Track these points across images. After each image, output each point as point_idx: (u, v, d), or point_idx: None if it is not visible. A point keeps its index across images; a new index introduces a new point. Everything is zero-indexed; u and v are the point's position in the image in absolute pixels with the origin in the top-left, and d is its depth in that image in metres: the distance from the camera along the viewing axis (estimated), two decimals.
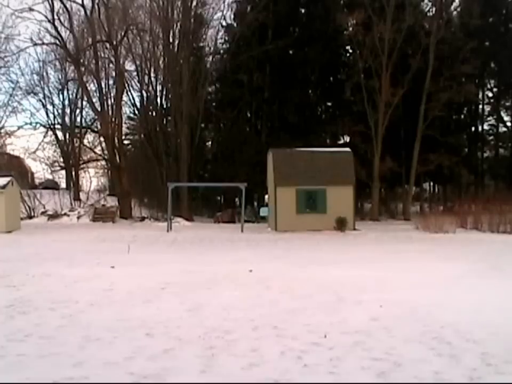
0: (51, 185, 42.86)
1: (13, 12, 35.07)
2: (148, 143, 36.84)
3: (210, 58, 39.19)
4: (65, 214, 33.39)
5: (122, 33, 35.41)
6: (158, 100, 39.81)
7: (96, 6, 34.88)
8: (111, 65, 38.31)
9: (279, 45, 34.25)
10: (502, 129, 41.31)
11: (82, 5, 34.97)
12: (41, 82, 42.49)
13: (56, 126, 43.95)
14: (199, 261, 12.98)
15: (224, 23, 39.02)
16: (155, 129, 37.36)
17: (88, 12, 34.88)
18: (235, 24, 38.73)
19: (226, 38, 39.30)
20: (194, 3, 36.32)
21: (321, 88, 39.54)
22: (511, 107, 40.59)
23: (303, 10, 38.22)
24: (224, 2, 38.09)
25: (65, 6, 34.78)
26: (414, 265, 12.06)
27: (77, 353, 5.24)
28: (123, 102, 38.82)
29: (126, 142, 42.08)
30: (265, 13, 34.62)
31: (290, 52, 36.77)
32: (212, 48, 39.01)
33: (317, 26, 35.85)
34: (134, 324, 6.40)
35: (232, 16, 39.27)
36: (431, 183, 45.73)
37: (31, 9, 34.02)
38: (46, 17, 34.95)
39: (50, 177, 46.23)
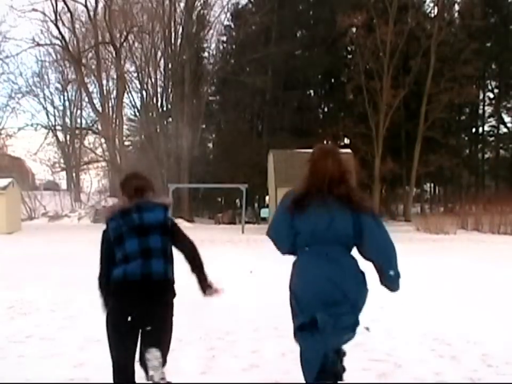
0: (52, 187, 42.89)
1: (16, 11, 35.40)
2: (149, 144, 36.87)
3: (212, 59, 39.25)
4: (66, 215, 33.43)
5: (125, 35, 35.48)
6: (159, 100, 39.87)
7: (99, 8, 35.00)
8: (112, 66, 38.39)
9: (282, 48, 34.25)
10: (503, 130, 41.34)
11: (86, 6, 35.08)
12: (41, 83, 42.56)
13: (57, 127, 43.99)
14: None
15: (226, 24, 39.09)
16: (156, 130, 37.40)
17: (91, 13, 34.97)
18: (232, 26, 38.75)
19: (229, 40, 39.35)
20: (197, 4, 36.40)
21: (322, 90, 39.58)
22: None
23: (310, 13, 38.17)
24: (227, 4, 38.20)
25: (67, 7, 34.89)
26: (415, 266, 12.05)
27: (78, 354, 5.24)
28: (124, 103, 38.91)
29: (126, 143, 42.15)
30: (270, 15, 34.62)
31: (294, 53, 36.78)
32: (214, 50, 39.10)
33: (321, 29, 35.88)
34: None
35: (232, 19, 39.29)
36: (432, 184, 45.72)
37: (34, 10, 34.22)
38: (49, 17, 35.09)
39: (51, 178, 46.26)
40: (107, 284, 3.40)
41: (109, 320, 3.42)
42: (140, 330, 3.38)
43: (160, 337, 3.38)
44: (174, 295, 3.46)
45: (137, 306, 3.28)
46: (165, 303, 3.39)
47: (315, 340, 3.16)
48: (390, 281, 3.52)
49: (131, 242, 3.32)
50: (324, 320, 3.11)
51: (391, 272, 3.45)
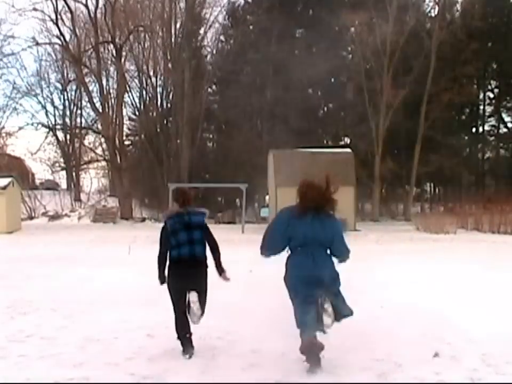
0: (51, 186, 42.86)
1: (17, 11, 35.39)
2: (149, 144, 36.86)
3: (213, 58, 39.18)
4: (66, 214, 33.44)
5: (126, 35, 35.46)
6: (159, 100, 39.83)
7: (99, 7, 34.99)
8: (112, 65, 38.37)
9: (282, 47, 34.21)
10: (503, 130, 41.31)
11: (86, 5, 35.06)
12: (42, 83, 42.44)
13: (57, 127, 43.90)
14: None
15: (226, 24, 39.02)
16: (156, 129, 37.39)
17: (91, 13, 34.93)
18: (231, 25, 38.71)
19: (229, 39, 39.29)
20: (196, 3, 36.33)
21: (322, 89, 39.53)
22: None
23: (310, 12, 38.06)
24: (226, 3, 38.16)
25: (68, 6, 34.86)
26: (415, 265, 12.06)
27: (78, 353, 5.25)
28: (124, 103, 38.87)
29: (126, 142, 42.06)
30: (269, 14, 34.53)
31: (294, 53, 36.69)
32: (214, 49, 39.03)
33: (321, 28, 35.82)
34: (134, 325, 6.40)
35: (231, 18, 39.22)
36: (432, 184, 45.70)
37: (35, 9, 34.19)
38: (49, 17, 35.08)
39: (51, 177, 46.20)
40: (164, 260, 5.34)
41: (170, 282, 5.31)
42: (189, 290, 5.21)
43: (202, 295, 5.26)
44: (207, 266, 5.40)
45: (187, 276, 5.19)
46: (202, 274, 5.31)
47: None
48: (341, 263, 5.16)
49: (182, 234, 5.25)
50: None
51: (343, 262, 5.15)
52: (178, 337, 5.33)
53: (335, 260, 5.03)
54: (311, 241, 4.77)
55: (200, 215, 5.45)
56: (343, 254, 5.06)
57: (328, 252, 4.94)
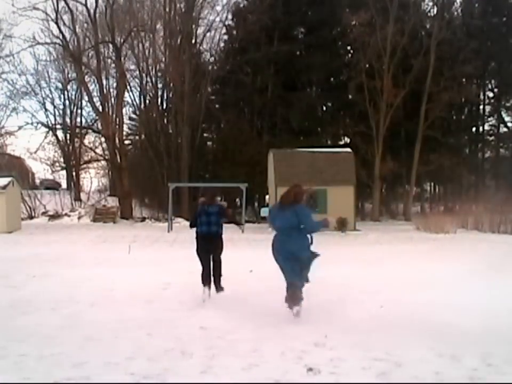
0: (53, 185, 42.87)
1: (17, 10, 35.38)
2: (149, 143, 36.84)
3: (213, 58, 39.17)
4: (66, 214, 33.41)
5: (126, 34, 35.44)
6: (159, 100, 39.82)
7: (99, 7, 34.96)
8: (112, 65, 38.34)
9: (283, 47, 34.19)
10: (503, 129, 41.35)
11: (86, 5, 35.03)
12: (42, 83, 42.41)
13: (57, 126, 43.89)
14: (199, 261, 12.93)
15: (227, 24, 39.00)
16: (156, 129, 37.37)
17: (91, 13, 34.91)
18: (232, 25, 38.68)
19: (229, 39, 39.27)
20: (197, 3, 36.30)
21: (323, 89, 39.53)
22: None
23: (309, 13, 38.05)
24: (227, 3, 38.12)
25: (68, 6, 34.84)
26: (415, 265, 12.06)
27: (78, 353, 5.24)
28: (124, 102, 38.85)
29: (126, 142, 42.07)
30: (270, 14, 34.47)
31: (295, 53, 36.67)
32: (215, 49, 39.00)
33: (322, 28, 35.79)
34: (134, 324, 6.40)
35: (233, 18, 39.20)
36: (432, 184, 45.73)
37: (35, 8, 34.18)
38: (50, 16, 35.06)
39: (51, 177, 46.22)
40: (194, 224, 8.28)
41: (196, 248, 8.16)
42: (210, 255, 8.11)
43: (218, 260, 8.18)
44: (222, 239, 8.23)
45: (206, 245, 8.06)
46: (217, 245, 8.16)
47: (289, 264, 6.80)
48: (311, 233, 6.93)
49: (203, 217, 8.10)
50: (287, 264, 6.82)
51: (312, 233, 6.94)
52: (202, 282, 8.04)
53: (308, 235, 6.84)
54: (284, 226, 6.77)
55: (216, 207, 8.32)
56: (314, 228, 6.88)
57: (304, 232, 6.78)
